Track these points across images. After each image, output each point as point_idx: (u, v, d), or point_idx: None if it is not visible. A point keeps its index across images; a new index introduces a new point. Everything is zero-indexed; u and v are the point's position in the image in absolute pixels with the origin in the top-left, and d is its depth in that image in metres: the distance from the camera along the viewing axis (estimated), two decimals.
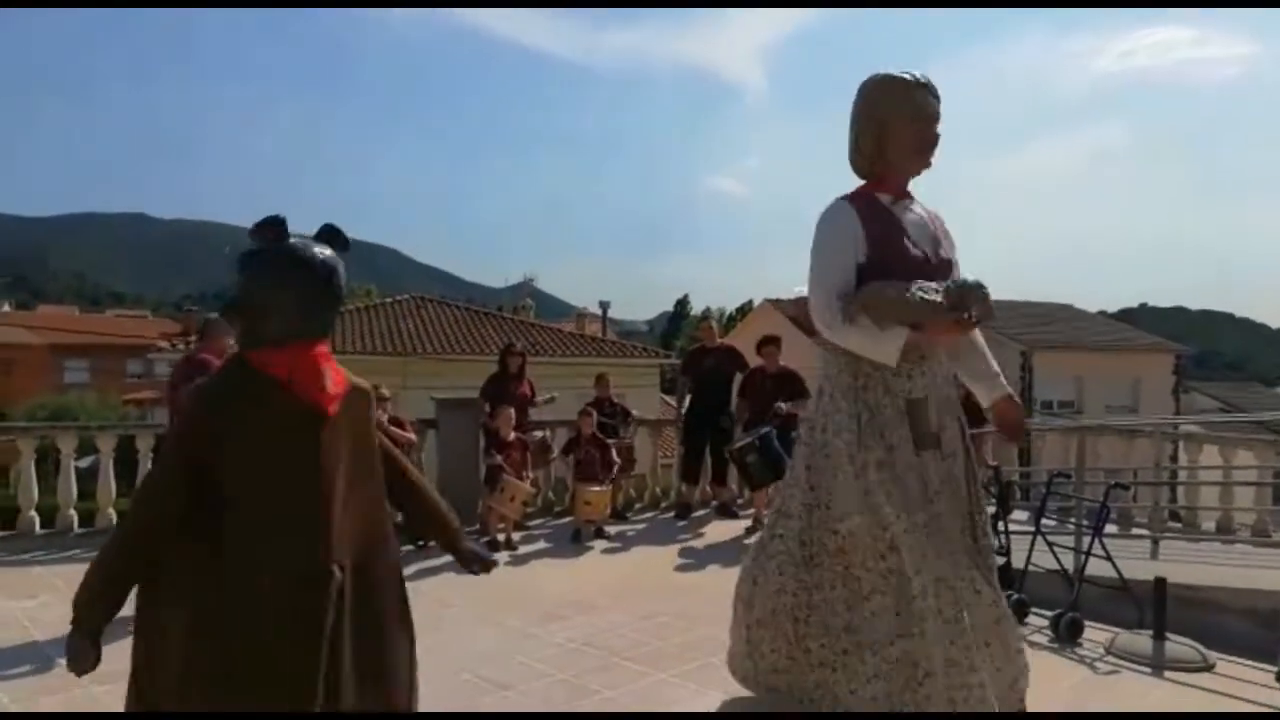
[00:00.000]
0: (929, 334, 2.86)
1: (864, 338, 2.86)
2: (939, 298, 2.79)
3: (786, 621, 3.12)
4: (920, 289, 2.80)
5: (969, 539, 2.97)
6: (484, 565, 2.66)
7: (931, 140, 2.99)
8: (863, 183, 3.11)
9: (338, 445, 2.18)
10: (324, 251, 2.19)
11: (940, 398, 3.01)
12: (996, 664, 2.96)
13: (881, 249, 2.93)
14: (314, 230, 2.26)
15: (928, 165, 3.03)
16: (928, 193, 3.17)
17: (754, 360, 8.13)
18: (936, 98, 2.99)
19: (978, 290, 2.83)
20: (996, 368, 3.21)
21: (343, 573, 2.17)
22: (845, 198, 3.05)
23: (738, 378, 8.29)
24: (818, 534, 3.03)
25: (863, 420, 2.92)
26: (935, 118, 2.98)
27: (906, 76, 2.99)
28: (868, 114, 3.01)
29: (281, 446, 2.10)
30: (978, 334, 3.16)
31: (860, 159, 3.07)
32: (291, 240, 2.16)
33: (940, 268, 3.01)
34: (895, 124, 2.96)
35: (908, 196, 3.11)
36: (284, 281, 2.13)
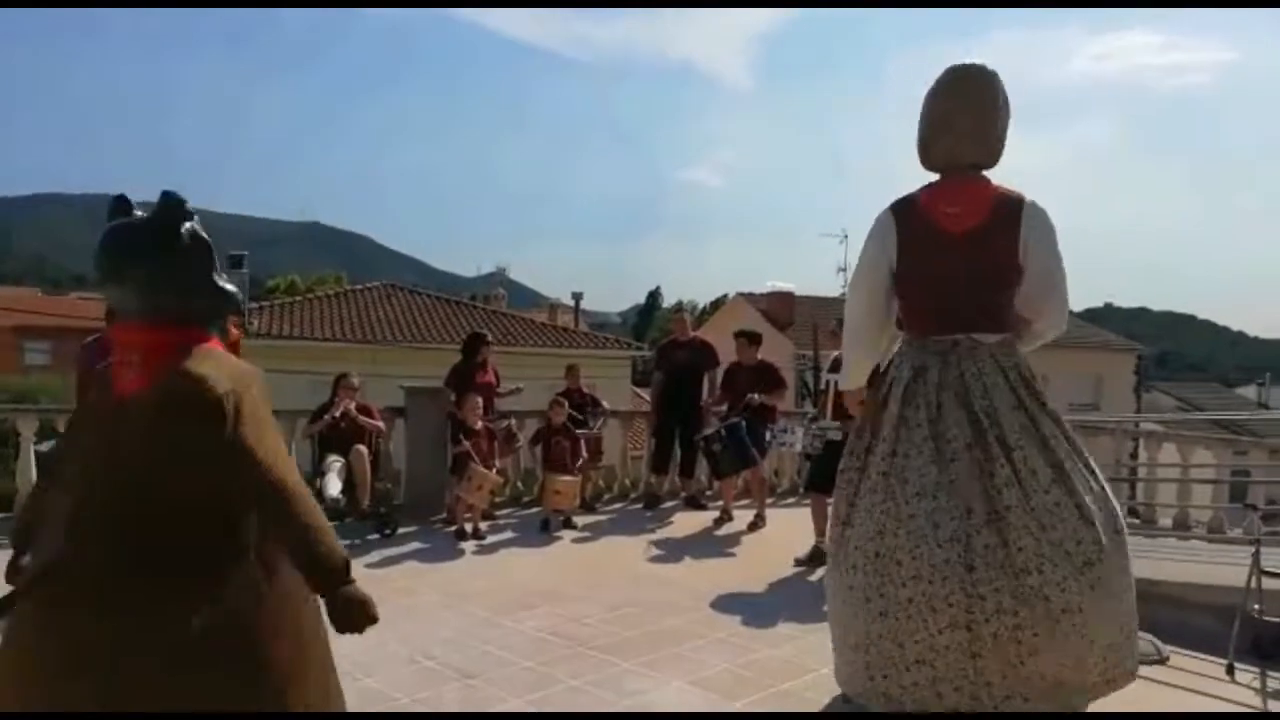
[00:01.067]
0: None
1: None
2: None
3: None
4: None
5: None
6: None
7: None
8: (983, 176, 3.17)
9: (132, 436, 2.01)
10: (116, 225, 2.11)
11: None
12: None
13: None
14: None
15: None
16: (893, 192, 3.22)
17: (730, 354, 8.16)
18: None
19: None
20: None
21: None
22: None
23: (715, 371, 8.32)
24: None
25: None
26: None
27: None
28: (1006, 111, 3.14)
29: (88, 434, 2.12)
30: None
31: (1000, 151, 3.17)
32: (123, 219, 2.13)
33: None
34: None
35: None
36: (96, 262, 2.11)
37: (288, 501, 2.05)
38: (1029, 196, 3.04)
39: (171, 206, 2.11)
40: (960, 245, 3.02)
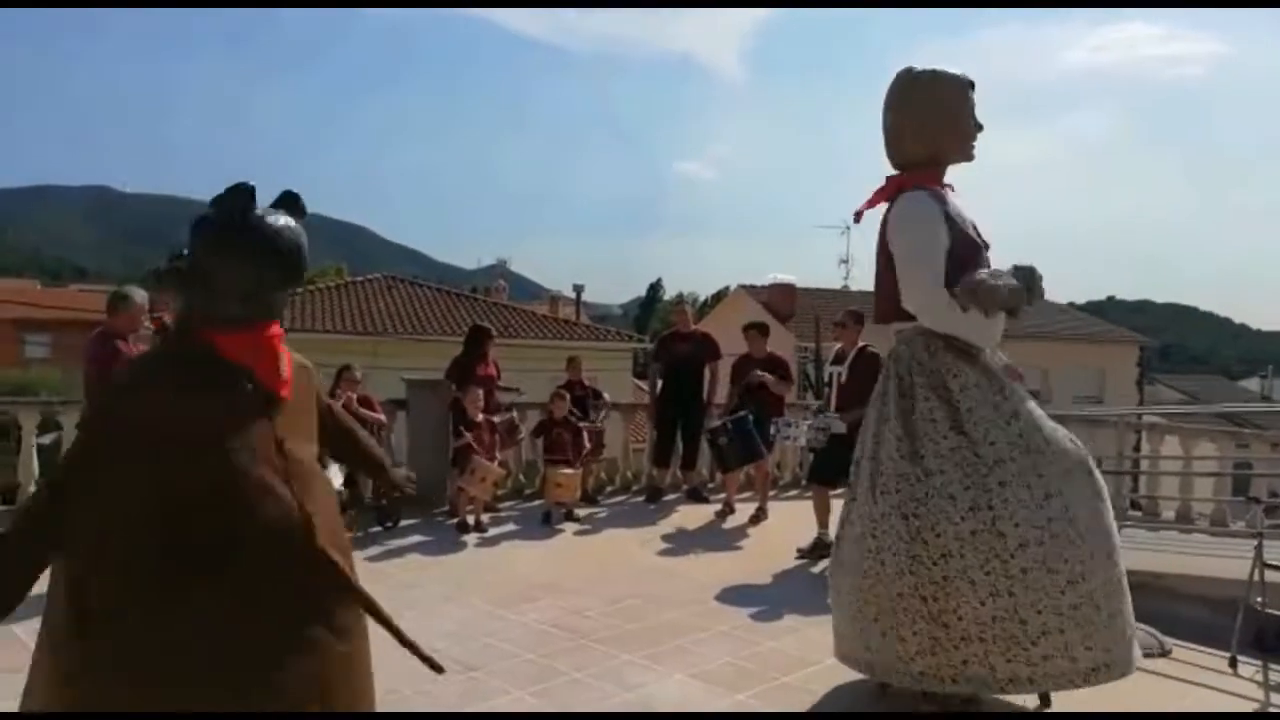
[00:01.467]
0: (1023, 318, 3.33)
1: (973, 325, 3.15)
2: (1013, 282, 3.15)
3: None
4: (1006, 277, 3.15)
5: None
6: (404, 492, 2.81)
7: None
8: (897, 173, 3.42)
9: (287, 425, 2.07)
10: (290, 224, 2.01)
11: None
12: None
13: (958, 237, 3.23)
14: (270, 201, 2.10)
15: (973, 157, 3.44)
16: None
17: (731, 347, 8.15)
18: (973, 91, 3.44)
19: (1036, 273, 3.24)
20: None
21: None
22: (922, 189, 3.29)
23: (716, 364, 8.32)
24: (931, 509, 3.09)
25: (951, 398, 3.18)
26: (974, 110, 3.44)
27: (960, 76, 3.36)
28: (939, 108, 3.32)
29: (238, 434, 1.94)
30: None
31: (921, 150, 3.36)
32: (258, 211, 1.98)
33: (986, 251, 3.34)
34: (960, 119, 3.33)
35: (950, 186, 3.43)
36: (251, 256, 1.95)
37: (365, 437, 2.74)
38: (914, 189, 3.27)
39: (298, 200, 2.07)
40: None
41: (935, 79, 3.31)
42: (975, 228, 3.35)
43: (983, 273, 3.13)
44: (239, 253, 1.95)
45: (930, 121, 3.29)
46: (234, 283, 1.95)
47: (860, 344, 6.29)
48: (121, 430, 1.86)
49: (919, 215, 3.21)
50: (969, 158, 3.41)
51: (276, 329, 2.05)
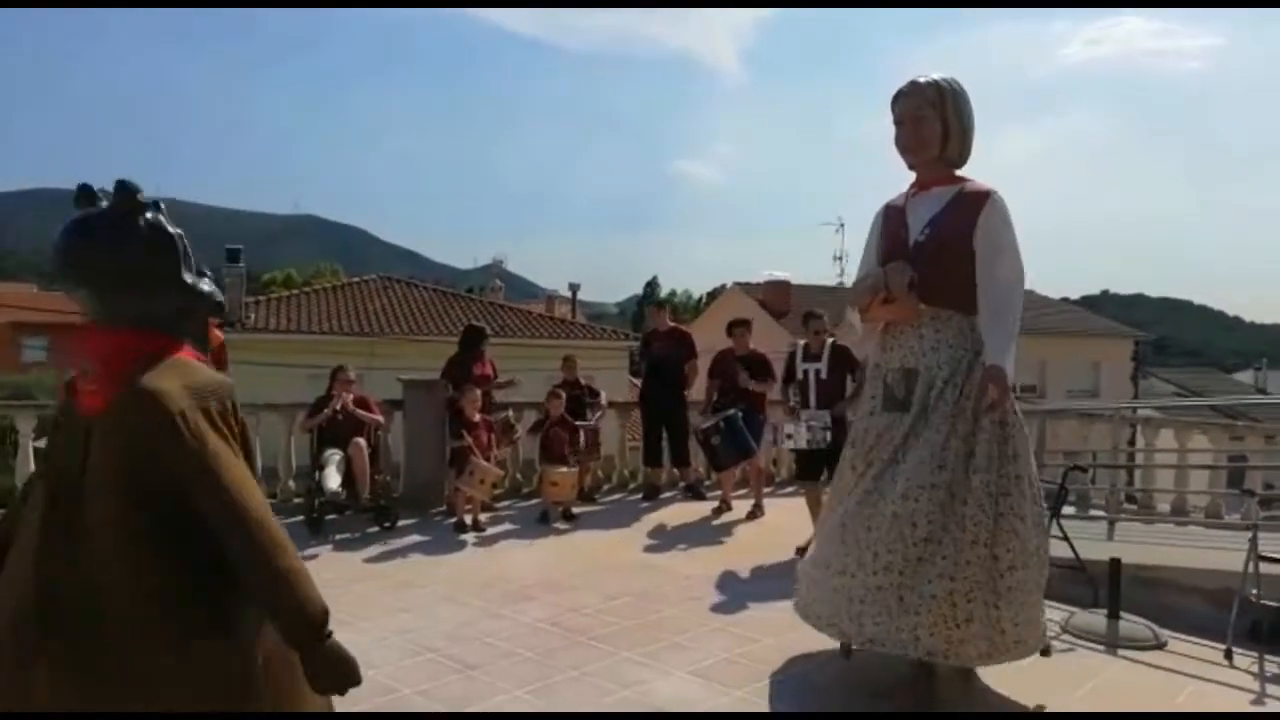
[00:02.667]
0: (887, 310, 3.36)
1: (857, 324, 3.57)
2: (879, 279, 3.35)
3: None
4: (873, 274, 3.36)
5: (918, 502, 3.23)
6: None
7: (900, 141, 3.48)
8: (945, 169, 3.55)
9: (93, 453, 1.77)
10: (75, 219, 1.87)
11: (921, 367, 3.34)
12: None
13: (882, 243, 3.47)
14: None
15: (911, 163, 3.48)
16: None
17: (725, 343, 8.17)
18: (899, 100, 3.45)
19: (891, 270, 3.30)
20: (999, 341, 3.33)
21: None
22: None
23: (694, 361, 8.37)
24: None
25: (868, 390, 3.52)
26: (899, 123, 3.46)
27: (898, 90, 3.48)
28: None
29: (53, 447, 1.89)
30: (996, 311, 3.36)
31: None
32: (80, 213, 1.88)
33: (915, 250, 3.38)
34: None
35: (936, 186, 3.47)
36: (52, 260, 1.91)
37: (251, 537, 1.74)
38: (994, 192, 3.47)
39: (125, 196, 1.87)
40: None
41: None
42: (929, 228, 3.47)
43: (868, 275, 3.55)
44: None
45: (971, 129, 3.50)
46: None
47: (829, 339, 6.37)
48: None
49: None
50: (907, 163, 3.60)
51: (82, 331, 1.89)
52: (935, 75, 3.41)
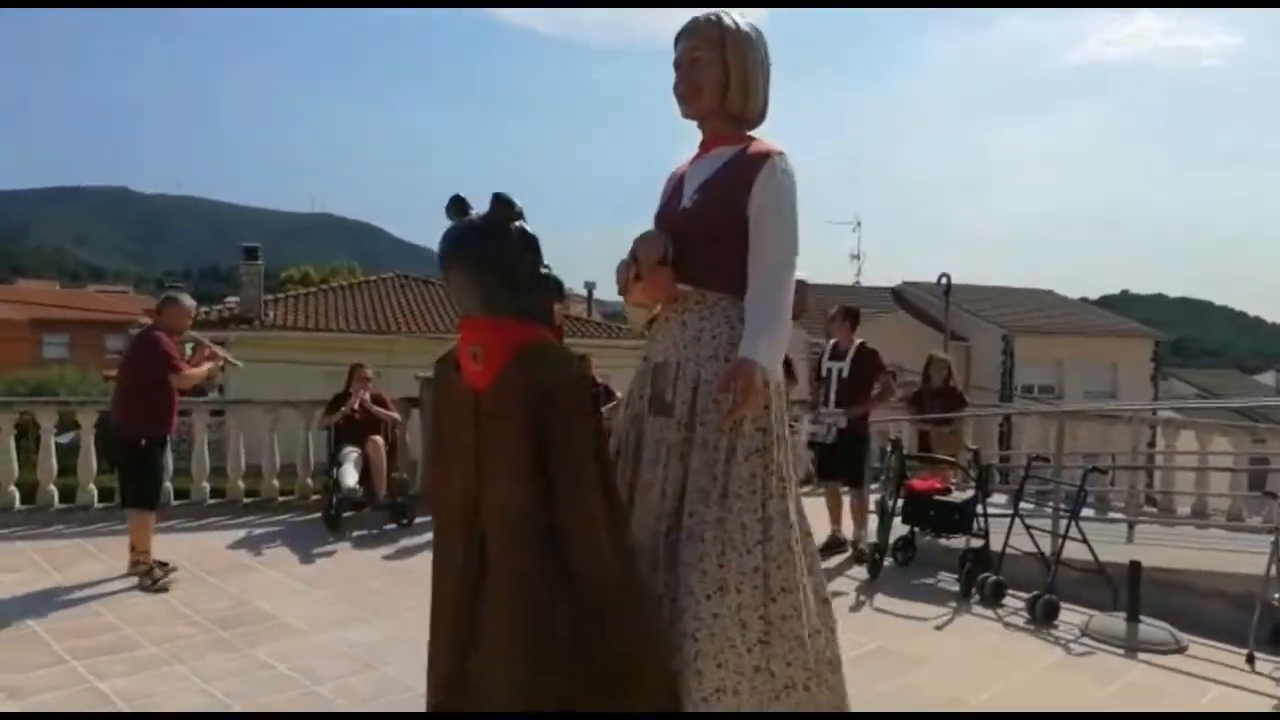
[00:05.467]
0: (645, 292, 2.69)
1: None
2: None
3: None
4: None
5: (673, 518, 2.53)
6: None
7: (679, 85, 2.72)
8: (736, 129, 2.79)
9: (491, 418, 2.20)
10: (454, 225, 2.26)
11: (681, 360, 2.64)
12: None
13: (657, 214, 2.80)
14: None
15: (686, 113, 2.76)
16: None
17: None
18: (679, 40, 2.71)
19: (639, 241, 2.67)
20: (755, 330, 2.53)
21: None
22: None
23: None
24: None
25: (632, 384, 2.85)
26: (677, 65, 2.71)
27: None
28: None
29: (453, 419, 2.31)
30: (757, 294, 2.57)
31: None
32: (461, 219, 2.27)
33: (681, 217, 2.69)
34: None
35: (718, 146, 2.73)
36: (439, 262, 2.28)
37: (578, 501, 2.17)
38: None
39: (504, 206, 2.24)
40: None
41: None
42: (698, 193, 2.71)
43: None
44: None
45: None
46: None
47: (857, 340, 6.33)
48: None
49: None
50: (683, 112, 2.80)
51: (468, 323, 2.29)
52: (725, 12, 2.71)
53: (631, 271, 2.64)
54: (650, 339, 2.80)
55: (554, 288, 2.38)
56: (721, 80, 2.66)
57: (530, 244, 2.28)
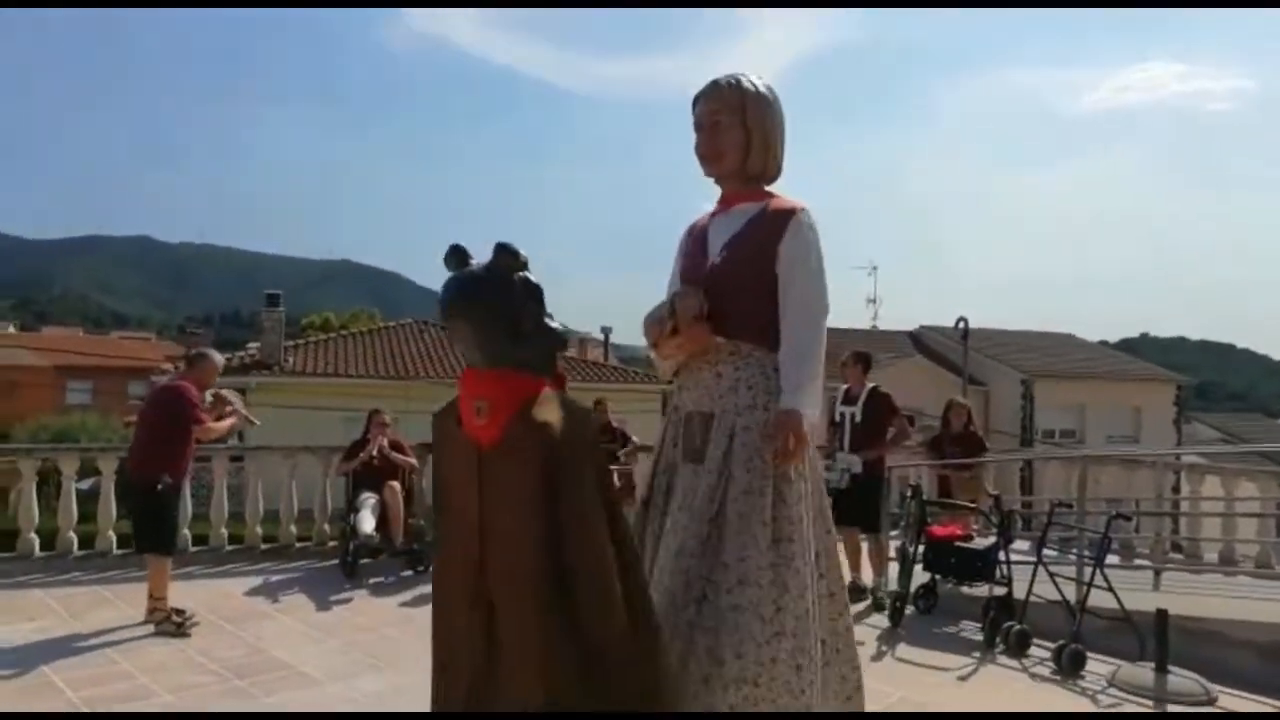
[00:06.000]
0: (680, 344, 2.75)
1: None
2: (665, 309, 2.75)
3: None
4: (661, 304, 2.77)
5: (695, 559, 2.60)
6: None
7: (700, 148, 2.83)
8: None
9: (492, 486, 2.15)
10: (457, 275, 2.23)
11: (718, 411, 2.72)
12: None
13: (679, 269, 2.92)
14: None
15: (709, 173, 2.87)
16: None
17: None
18: (703, 99, 2.82)
19: (677, 297, 2.75)
20: (796, 381, 2.69)
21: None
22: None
23: None
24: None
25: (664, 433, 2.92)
26: (698, 127, 2.83)
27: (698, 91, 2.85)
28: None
29: (455, 478, 2.26)
30: (796, 347, 2.71)
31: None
32: (462, 269, 2.24)
33: (711, 273, 2.79)
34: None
35: (740, 203, 2.85)
36: (441, 313, 2.26)
37: (591, 565, 2.11)
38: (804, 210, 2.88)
39: (509, 256, 2.21)
40: None
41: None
42: (726, 249, 2.81)
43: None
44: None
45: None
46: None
47: (869, 384, 6.35)
48: None
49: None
50: (706, 173, 2.91)
51: (472, 375, 2.25)
52: (744, 76, 2.82)
53: (668, 326, 2.73)
54: (678, 389, 2.88)
55: (558, 338, 2.31)
56: (743, 143, 2.78)
57: (534, 294, 2.24)
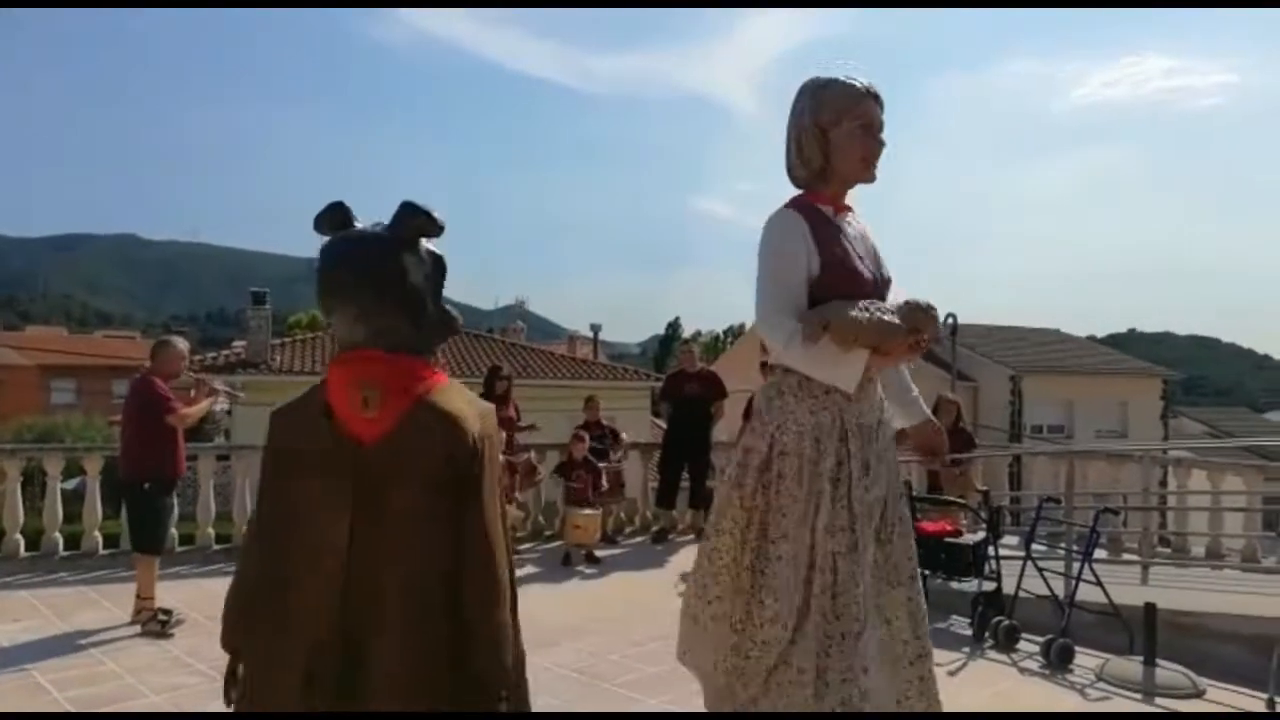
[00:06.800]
0: (887, 358, 2.69)
1: (824, 360, 2.64)
2: (894, 319, 2.62)
3: (727, 631, 2.78)
4: (879, 310, 2.63)
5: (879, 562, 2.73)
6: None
7: (877, 153, 2.79)
8: (799, 192, 2.85)
9: (381, 485, 1.74)
10: (351, 237, 1.81)
11: (878, 422, 2.78)
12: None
13: (831, 265, 2.72)
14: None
15: (872, 179, 2.84)
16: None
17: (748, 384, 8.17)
18: (882, 106, 2.80)
19: (929, 311, 2.68)
20: (915, 391, 2.95)
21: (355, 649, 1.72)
22: (791, 206, 2.78)
23: (722, 403, 8.40)
24: (753, 552, 2.73)
25: (816, 444, 2.68)
26: (881, 128, 2.79)
27: (855, 83, 2.76)
28: (814, 119, 2.77)
29: (317, 482, 1.77)
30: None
31: (802, 167, 2.82)
32: (342, 231, 1.82)
33: (883, 286, 2.81)
34: (842, 133, 2.75)
35: (848, 209, 2.88)
36: (317, 281, 1.81)
37: (489, 579, 1.80)
38: (783, 208, 2.80)
39: (415, 217, 1.81)
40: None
41: (818, 87, 2.81)
42: (876, 261, 2.84)
43: (851, 304, 2.64)
44: (318, 275, 1.83)
45: (814, 136, 2.81)
46: (323, 309, 1.85)
47: None
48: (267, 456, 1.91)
49: (772, 235, 2.75)
50: (865, 179, 2.85)
51: (348, 361, 1.81)
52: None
53: (911, 340, 2.65)
54: (854, 399, 2.72)
55: (454, 324, 1.95)
56: None
57: (441, 268, 1.89)
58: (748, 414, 8.47)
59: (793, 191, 2.82)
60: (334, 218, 1.82)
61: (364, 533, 1.73)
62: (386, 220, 1.84)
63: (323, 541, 1.73)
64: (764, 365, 7.87)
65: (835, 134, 2.73)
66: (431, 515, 1.74)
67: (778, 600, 2.62)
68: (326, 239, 1.81)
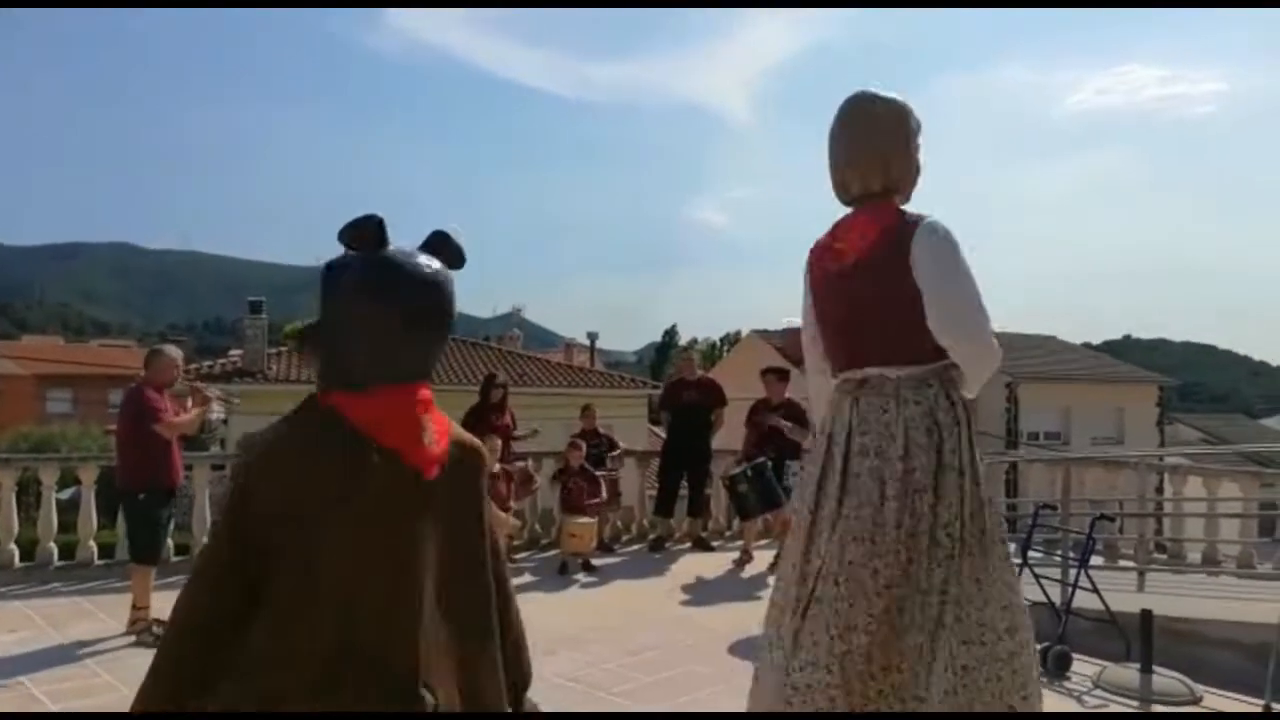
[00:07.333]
0: None
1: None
2: None
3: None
4: None
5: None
6: None
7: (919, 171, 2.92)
8: (897, 204, 2.83)
9: (437, 522, 1.66)
10: (430, 265, 1.65)
11: None
12: None
13: None
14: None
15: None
16: (910, 207, 2.97)
17: (746, 392, 8.19)
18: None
19: None
20: None
21: (435, 699, 1.60)
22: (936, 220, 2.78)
23: (721, 411, 8.40)
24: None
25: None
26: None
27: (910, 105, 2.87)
28: (909, 135, 2.82)
29: (375, 523, 1.57)
30: None
31: (904, 181, 2.84)
32: (391, 249, 1.63)
33: None
34: (918, 154, 2.89)
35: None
36: (377, 303, 1.59)
37: (507, 598, 1.91)
38: (931, 217, 2.71)
39: (456, 256, 1.73)
40: (848, 278, 2.75)
41: (905, 107, 2.88)
42: None
43: None
44: (362, 297, 1.61)
45: (908, 153, 2.91)
46: (362, 335, 1.61)
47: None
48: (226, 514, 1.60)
49: (958, 246, 2.72)
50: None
51: (420, 392, 1.67)
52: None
53: None
54: None
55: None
56: None
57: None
58: (749, 421, 8.53)
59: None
60: (372, 234, 1.61)
61: (431, 579, 1.63)
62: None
63: (397, 593, 1.57)
64: (765, 373, 7.97)
65: (917, 156, 2.87)
66: (481, 557, 1.76)
67: None
68: (387, 257, 1.62)
